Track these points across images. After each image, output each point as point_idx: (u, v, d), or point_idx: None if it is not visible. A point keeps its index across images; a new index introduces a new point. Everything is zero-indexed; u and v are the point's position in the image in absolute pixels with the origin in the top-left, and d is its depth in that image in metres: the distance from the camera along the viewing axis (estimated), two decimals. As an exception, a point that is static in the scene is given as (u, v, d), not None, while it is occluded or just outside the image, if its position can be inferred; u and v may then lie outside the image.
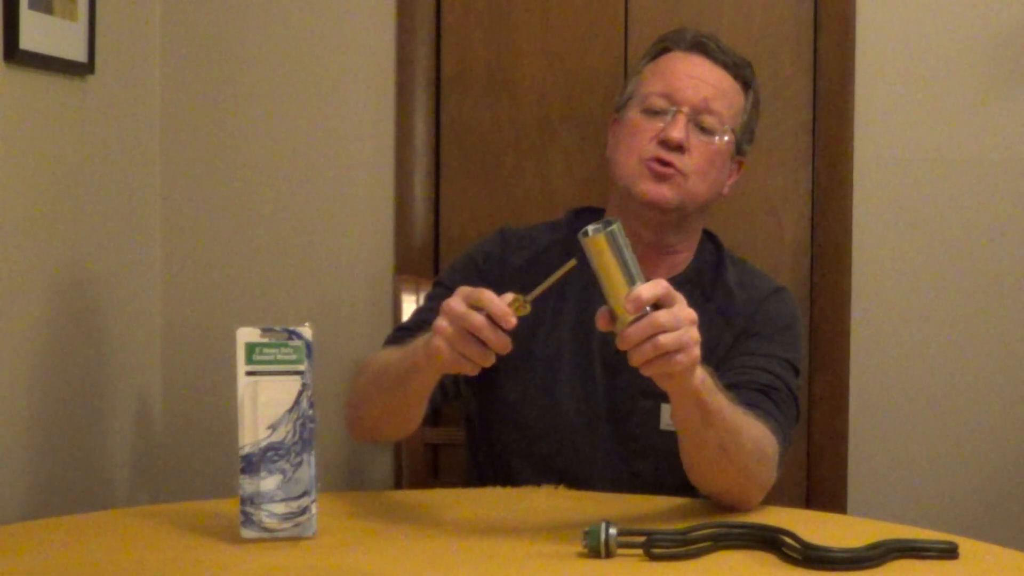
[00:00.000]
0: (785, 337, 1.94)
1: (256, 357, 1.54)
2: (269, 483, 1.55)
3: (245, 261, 2.72)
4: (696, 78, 1.93)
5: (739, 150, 1.99)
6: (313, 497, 1.56)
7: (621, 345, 1.51)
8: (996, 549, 1.58)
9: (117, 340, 2.55)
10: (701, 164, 1.91)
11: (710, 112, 1.92)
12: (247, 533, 1.55)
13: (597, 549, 1.49)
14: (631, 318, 1.50)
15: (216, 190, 2.72)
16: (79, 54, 2.33)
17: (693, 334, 1.52)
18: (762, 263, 2.57)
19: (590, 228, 1.51)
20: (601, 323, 1.53)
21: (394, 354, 1.76)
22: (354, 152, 2.69)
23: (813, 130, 2.62)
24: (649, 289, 1.50)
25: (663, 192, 1.90)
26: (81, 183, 2.40)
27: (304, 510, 1.56)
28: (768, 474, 1.74)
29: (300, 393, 1.55)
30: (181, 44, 2.70)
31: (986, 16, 2.55)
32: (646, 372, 1.53)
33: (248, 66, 2.70)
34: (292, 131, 2.70)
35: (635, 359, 1.51)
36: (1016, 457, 2.60)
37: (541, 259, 1.97)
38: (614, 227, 1.50)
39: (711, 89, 1.93)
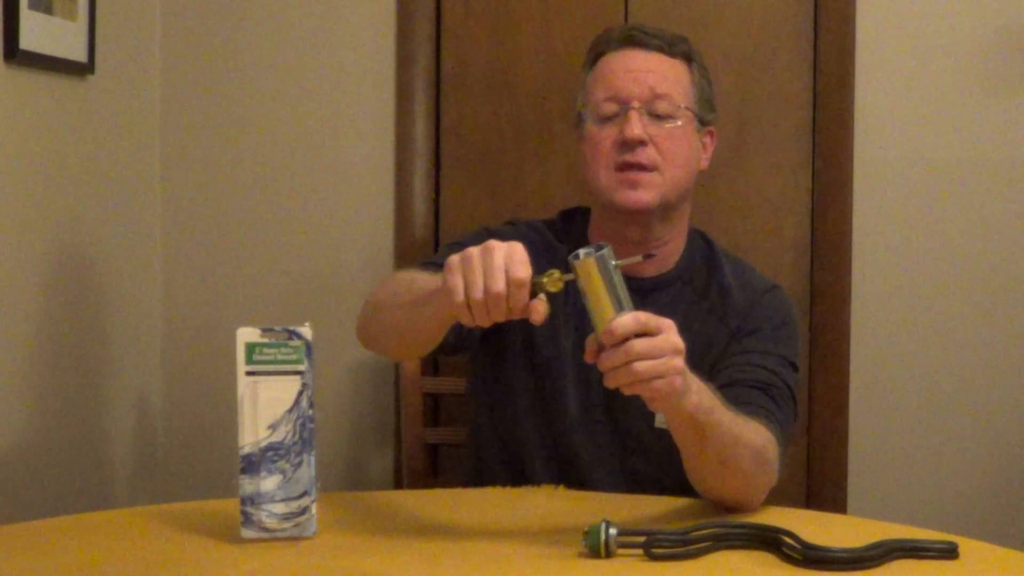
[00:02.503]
0: (782, 334, 1.93)
1: (256, 357, 1.54)
2: (269, 483, 1.55)
3: (245, 261, 2.72)
4: (635, 71, 1.91)
5: (704, 122, 1.96)
6: (313, 497, 1.56)
7: (600, 367, 1.50)
8: (996, 549, 1.58)
9: (117, 340, 2.55)
10: (669, 150, 1.89)
11: (660, 98, 1.89)
12: (247, 533, 1.55)
13: (597, 549, 1.49)
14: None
15: (216, 190, 2.72)
16: (79, 54, 2.34)
17: (675, 364, 1.51)
18: (762, 263, 2.57)
19: (581, 252, 1.50)
20: (588, 356, 1.52)
21: (425, 276, 1.72)
22: (354, 152, 2.69)
23: (813, 130, 2.62)
24: (623, 324, 1.48)
25: (641, 197, 1.88)
26: (81, 183, 2.40)
27: (304, 510, 1.56)
28: (770, 477, 1.74)
29: (300, 393, 1.55)
30: (181, 44, 2.70)
31: (986, 16, 2.55)
32: (626, 392, 1.52)
33: (248, 66, 2.70)
34: (292, 131, 2.70)
35: (609, 382, 1.50)
36: (1016, 457, 2.60)
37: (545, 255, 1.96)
38: (604, 251, 1.49)
39: (653, 76, 1.90)
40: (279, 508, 1.55)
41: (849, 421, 2.62)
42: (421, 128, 2.66)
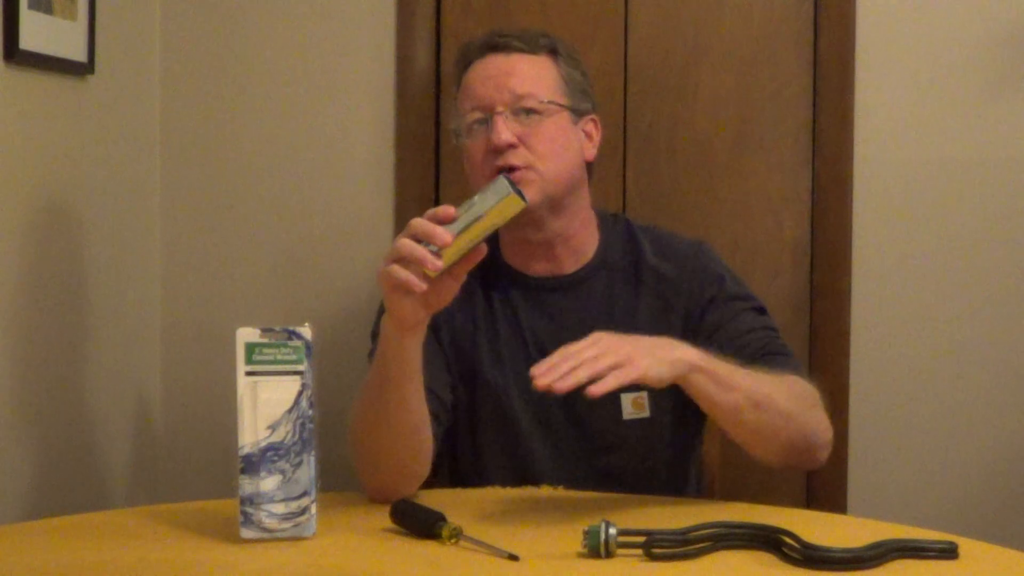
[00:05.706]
0: (733, 289, 1.94)
1: (256, 357, 1.54)
2: (269, 483, 1.55)
3: (245, 261, 2.72)
4: (493, 76, 1.91)
5: (579, 112, 1.96)
6: (313, 497, 1.56)
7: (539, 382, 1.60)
8: (996, 549, 1.58)
9: (117, 339, 2.55)
10: (542, 147, 1.89)
11: (523, 98, 1.90)
12: (247, 533, 1.55)
13: (597, 549, 1.49)
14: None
15: (216, 190, 2.72)
16: (79, 54, 2.34)
17: (599, 368, 1.57)
18: (762, 263, 2.57)
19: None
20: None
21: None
22: (354, 152, 2.69)
23: (813, 130, 2.62)
24: (540, 375, 1.58)
25: None
26: (81, 183, 2.40)
27: (304, 510, 1.56)
28: (817, 411, 1.78)
29: (300, 393, 1.55)
30: (181, 44, 2.70)
31: (986, 16, 2.55)
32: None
33: (248, 66, 2.70)
34: (292, 131, 2.70)
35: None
36: (1016, 457, 2.60)
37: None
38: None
39: (511, 78, 1.91)
40: (279, 508, 1.55)
41: (849, 421, 2.62)
42: (421, 128, 2.66)
